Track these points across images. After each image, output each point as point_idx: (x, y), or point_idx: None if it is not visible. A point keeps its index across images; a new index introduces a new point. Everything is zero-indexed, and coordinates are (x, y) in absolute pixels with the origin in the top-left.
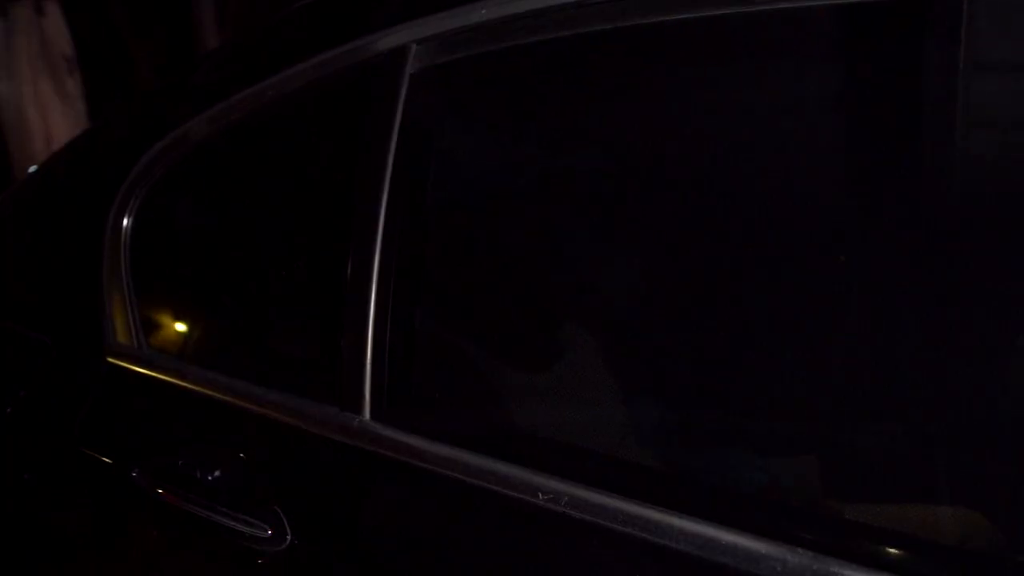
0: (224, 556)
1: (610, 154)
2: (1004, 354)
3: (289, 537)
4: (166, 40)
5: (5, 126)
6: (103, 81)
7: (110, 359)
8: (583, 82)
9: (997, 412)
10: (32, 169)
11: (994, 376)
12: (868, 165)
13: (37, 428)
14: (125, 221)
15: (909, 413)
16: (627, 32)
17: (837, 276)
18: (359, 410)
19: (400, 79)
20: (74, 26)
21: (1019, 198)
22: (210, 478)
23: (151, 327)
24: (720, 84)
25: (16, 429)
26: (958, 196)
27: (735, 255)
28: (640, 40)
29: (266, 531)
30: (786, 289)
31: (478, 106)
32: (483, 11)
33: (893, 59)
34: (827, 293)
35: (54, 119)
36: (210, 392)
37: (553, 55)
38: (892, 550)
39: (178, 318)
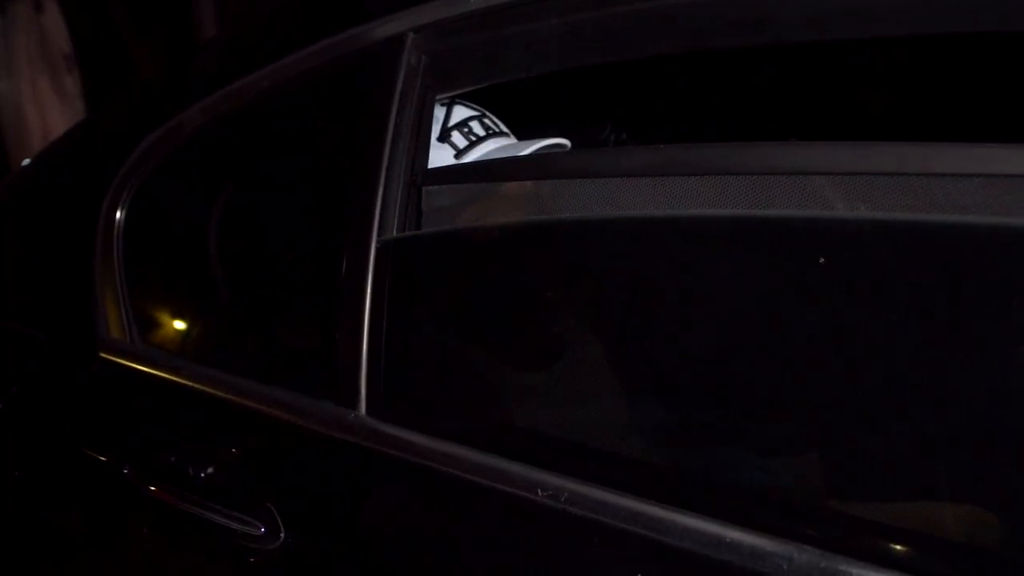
0: (216, 555)
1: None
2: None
3: (283, 535)
4: (166, 39)
5: (3, 124)
6: (102, 80)
7: (103, 354)
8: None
9: (1001, 410)
10: (26, 162)
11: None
12: None
13: (29, 425)
14: (118, 214)
15: (914, 410)
16: None
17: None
18: (354, 405)
19: (397, 68)
20: (73, 24)
21: None
22: (203, 475)
23: (145, 322)
24: None
25: (8, 426)
26: None
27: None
28: None
29: (259, 529)
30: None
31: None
32: None
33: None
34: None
35: (53, 117)
36: (204, 388)
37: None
38: (899, 547)
39: (172, 313)
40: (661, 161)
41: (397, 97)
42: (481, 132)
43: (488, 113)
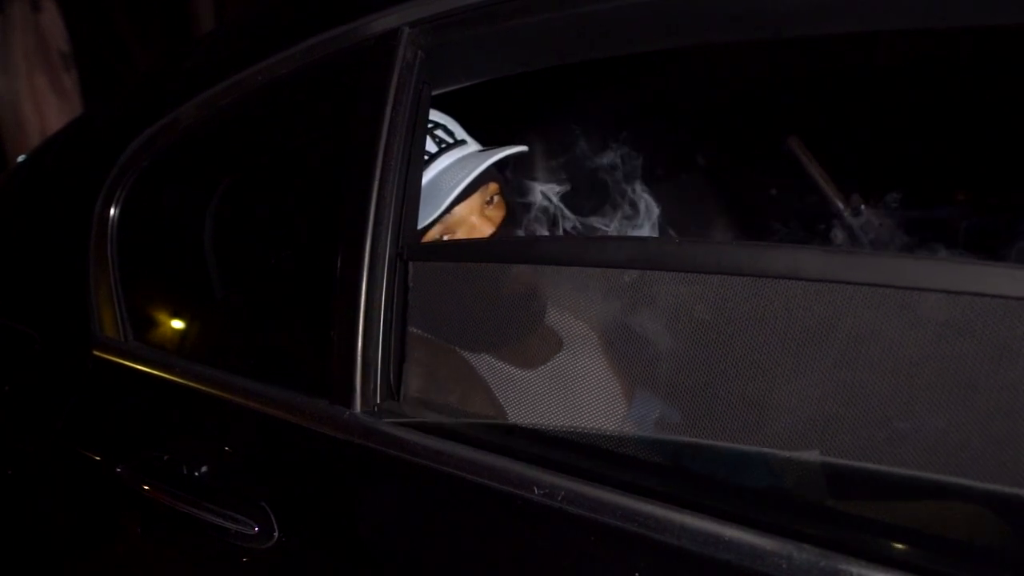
0: (210, 554)
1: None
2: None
3: (277, 534)
4: (164, 37)
5: (1, 122)
6: (100, 78)
7: (96, 353)
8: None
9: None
10: (21, 159)
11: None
12: None
13: (21, 423)
14: (112, 211)
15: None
16: None
17: None
18: (349, 403)
19: (392, 62)
20: (71, 23)
21: None
22: (197, 474)
23: (138, 320)
24: None
25: (0, 425)
26: None
27: None
28: None
29: (253, 528)
30: None
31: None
32: None
33: None
34: None
35: (50, 115)
36: (198, 386)
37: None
38: (898, 546)
39: (166, 310)
40: (649, 255)
41: (392, 92)
42: (433, 148)
43: (442, 121)
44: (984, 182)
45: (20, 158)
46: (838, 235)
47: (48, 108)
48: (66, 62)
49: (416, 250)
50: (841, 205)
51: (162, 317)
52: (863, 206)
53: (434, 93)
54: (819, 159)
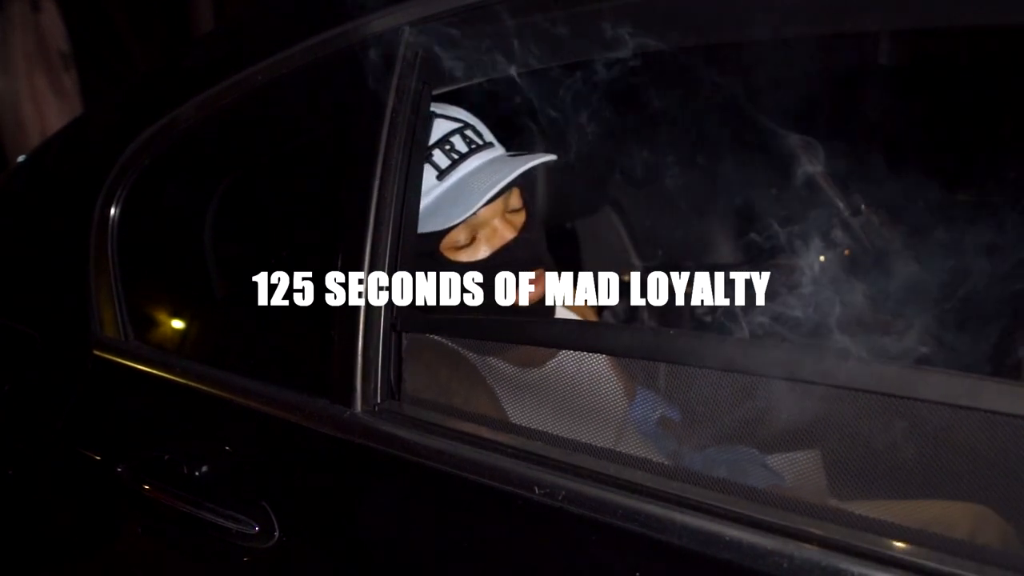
0: (210, 554)
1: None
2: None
3: (277, 533)
4: (164, 37)
5: (1, 122)
6: (100, 78)
7: (97, 352)
8: None
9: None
10: (21, 159)
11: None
12: None
13: (21, 423)
14: (112, 211)
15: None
16: None
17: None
18: (349, 403)
19: (393, 62)
20: (71, 23)
21: None
22: (197, 473)
23: (139, 320)
24: None
25: (1, 424)
26: None
27: None
28: None
29: (253, 527)
30: None
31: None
32: None
33: None
34: None
35: (50, 115)
36: (199, 386)
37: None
38: (900, 545)
39: (167, 310)
40: (644, 345)
41: (393, 92)
42: (464, 148)
43: (471, 122)
44: (985, 182)
45: (20, 158)
46: (838, 235)
47: (48, 108)
48: (66, 62)
49: (409, 322)
50: (841, 205)
51: (162, 317)
52: (863, 206)
53: (434, 93)
54: (819, 159)
